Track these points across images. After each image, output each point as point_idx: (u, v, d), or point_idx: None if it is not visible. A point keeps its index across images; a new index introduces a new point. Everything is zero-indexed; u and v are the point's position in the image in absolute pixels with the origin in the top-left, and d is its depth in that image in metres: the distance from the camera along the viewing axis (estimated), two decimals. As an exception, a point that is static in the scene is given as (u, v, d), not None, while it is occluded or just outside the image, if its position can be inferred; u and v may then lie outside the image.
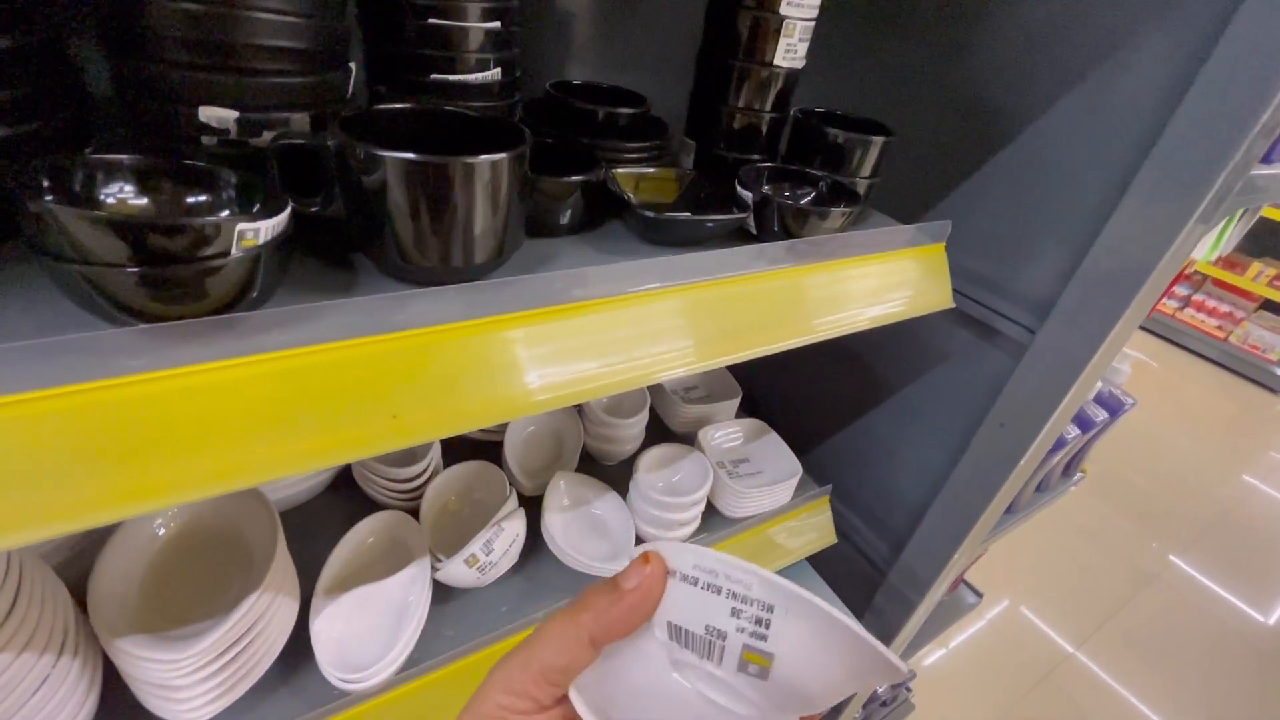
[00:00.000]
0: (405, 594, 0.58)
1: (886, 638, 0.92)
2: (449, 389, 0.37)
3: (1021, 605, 1.95)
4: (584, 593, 0.26)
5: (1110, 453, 2.55)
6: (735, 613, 0.22)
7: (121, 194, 0.33)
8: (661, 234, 0.49)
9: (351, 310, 0.34)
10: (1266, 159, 0.74)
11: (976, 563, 1.44)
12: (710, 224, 0.49)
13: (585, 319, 0.41)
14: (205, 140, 0.37)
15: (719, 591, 0.23)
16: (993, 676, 1.75)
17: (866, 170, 0.58)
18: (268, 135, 0.38)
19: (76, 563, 0.51)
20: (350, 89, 0.44)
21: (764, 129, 0.59)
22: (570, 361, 0.41)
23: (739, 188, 0.52)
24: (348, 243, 0.41)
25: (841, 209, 0.51)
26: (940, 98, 0.73)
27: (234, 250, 0.30)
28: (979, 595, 1.44)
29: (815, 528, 0.82)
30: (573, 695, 0.24)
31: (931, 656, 1.79)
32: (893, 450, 0.89)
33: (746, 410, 0.93)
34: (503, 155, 0.36)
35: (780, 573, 0.25)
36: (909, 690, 1.59)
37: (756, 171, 0.55)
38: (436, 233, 0.37)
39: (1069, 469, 1.19)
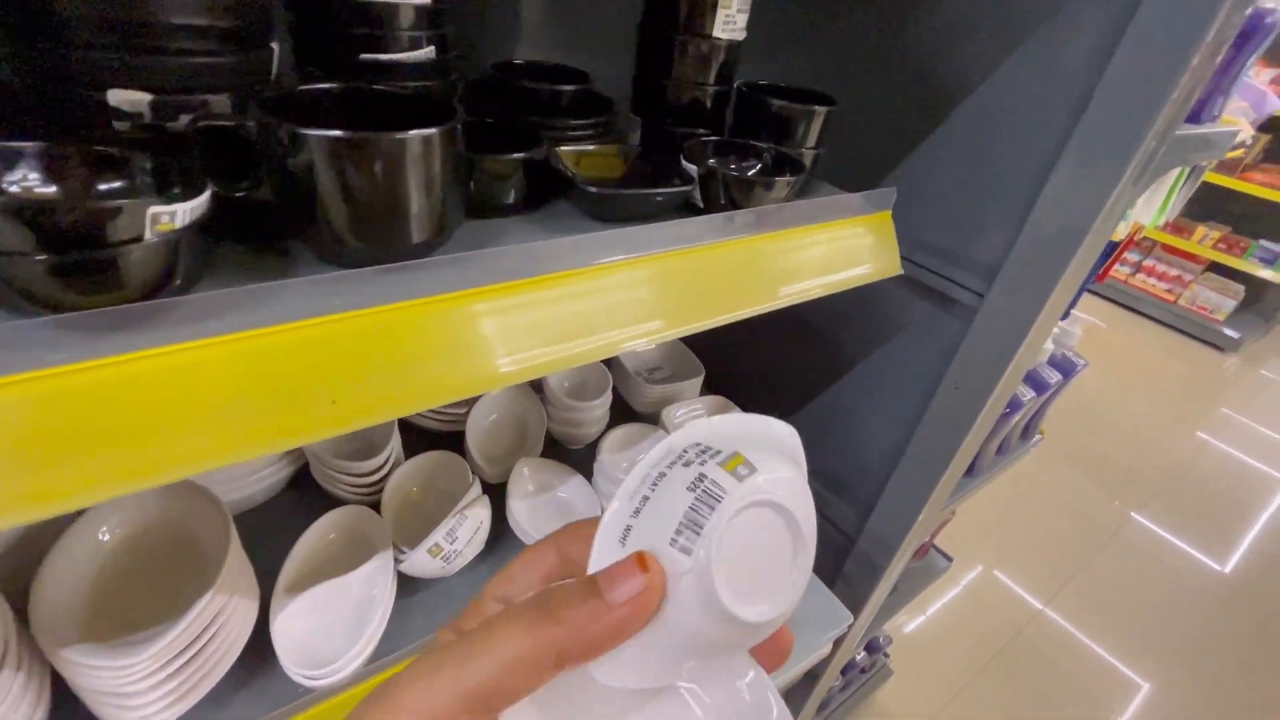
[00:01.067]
0: (369, 588, 0.57)
1: (857, 603, 0.94)
2: (389, 372, 0.36)
3: (991, 567, 2.02)
4: (552, 596, 0.19)
5: (1069, 416, 2.64)
6: (688, 463, 0.21)
7: (26, 182, 0.31)
8: (606, 209, 0.48)
9: (282, 294, 0.33)
10: (1195, 118, 0.77)
11: (946, 528, 1.48)
12: (655, 197, 0.49)
13: (530, 295, 0.41)
14: (118, 125, 0.35)
15: (662, 475, 0.21)
16: (966, 637, 1.81)
17: (811, 141, 0.59)
18: (185, 119, 0.36)
19: (16, 577, 0.49)
20: (275, 70, 0.42)
21: (709, 103, 0.59)
22: (516, 340, 0.41)
23: (684, 161, 0.52)
24: (279, 228, 0.40)
25: (786, 179, 0.51)
26: (888, 70, 0.74)
27: (148, 234, 0.29)
28: (949, 560, 1.48)
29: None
30: None
31: (908, 623, 1.84)
32: (856, 420, 0.91)
33: (710, 389, 0.94)
34: (432, 130, 0.35)
35: None
36: (887, 656, 1.64)
37: (701, 145, 0.55)
38: (368, 213, 0.36)
39: (1027, 431, 1.23)
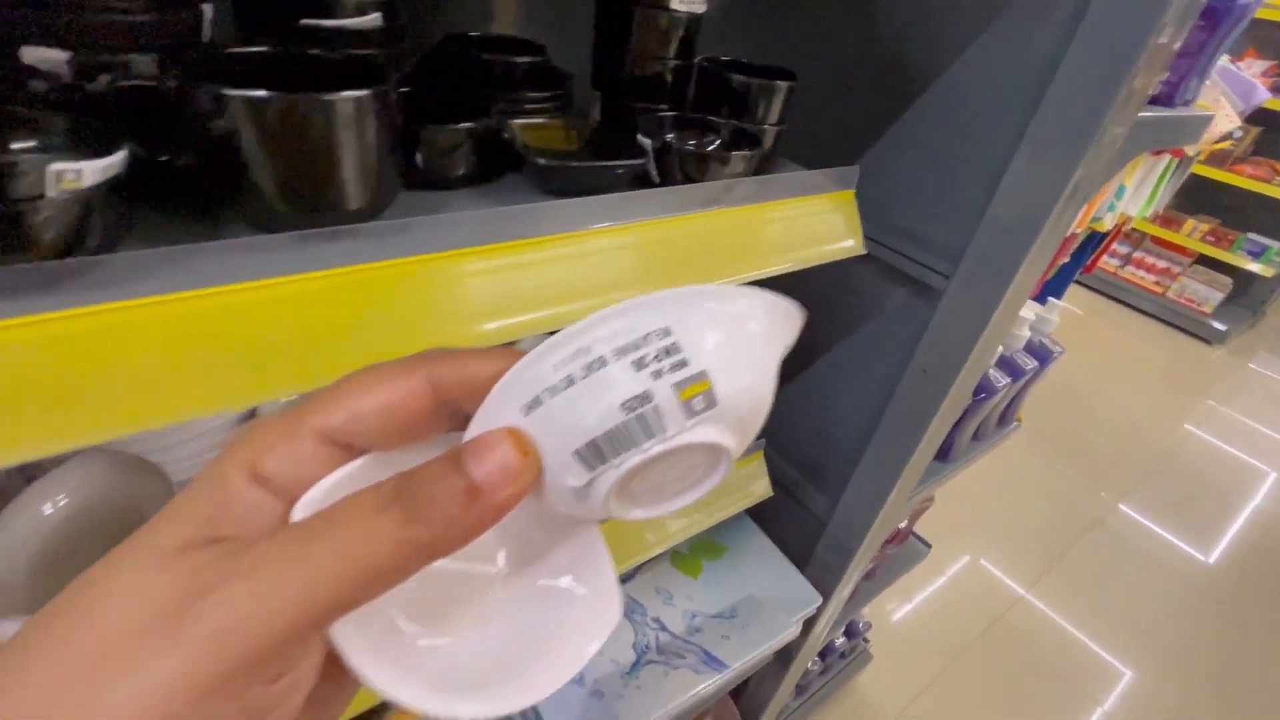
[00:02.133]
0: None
1: (829, 585, 0.95)
2: (315, 341, 0.36)
3: (974, 554, 2.03)
4: (417, 490, 0.16)
5: (1056, 405, 2.66)
6: (639, 364, 0.17)
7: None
8: (557, 181, 0.48)
9: (203, 257, 0.32)
10: (1167, 102, 0.77)
11: (926, 514, 1.48)
12: (607, 170, 0.48)
13: (472, 265, 0.40)
14: (35, 86, 0.34)
15: (604, 363, 0.17)
16: (947, 623, 1.83)
17: (773, 117, 0.58)
18: (104, 80, 0.35)
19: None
20: (209, 33, 0.41)
21: (669, 78, 0.58)
22: (453, 312, 0.40)
23: (640, 135, 0.51)
24: (206, 196, 0.39)
25: (742, 153, 0.50)
26: (857, 48, 0.73)
27: (50, 191, 0.28)
28: (927, 546, 1.49)
29: (751, 480, 0.83)
30: (336, 633, 0.17)
31: (889, 608, 1.85)
32: (828, 405, 0.91)
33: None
34: (360, 93, 0.35)
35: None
36: (866, 641, 1.65)
37: (659, 120, 0.55)
38: (296, 179, 0.35)
39: (1004, 418, 1.23)
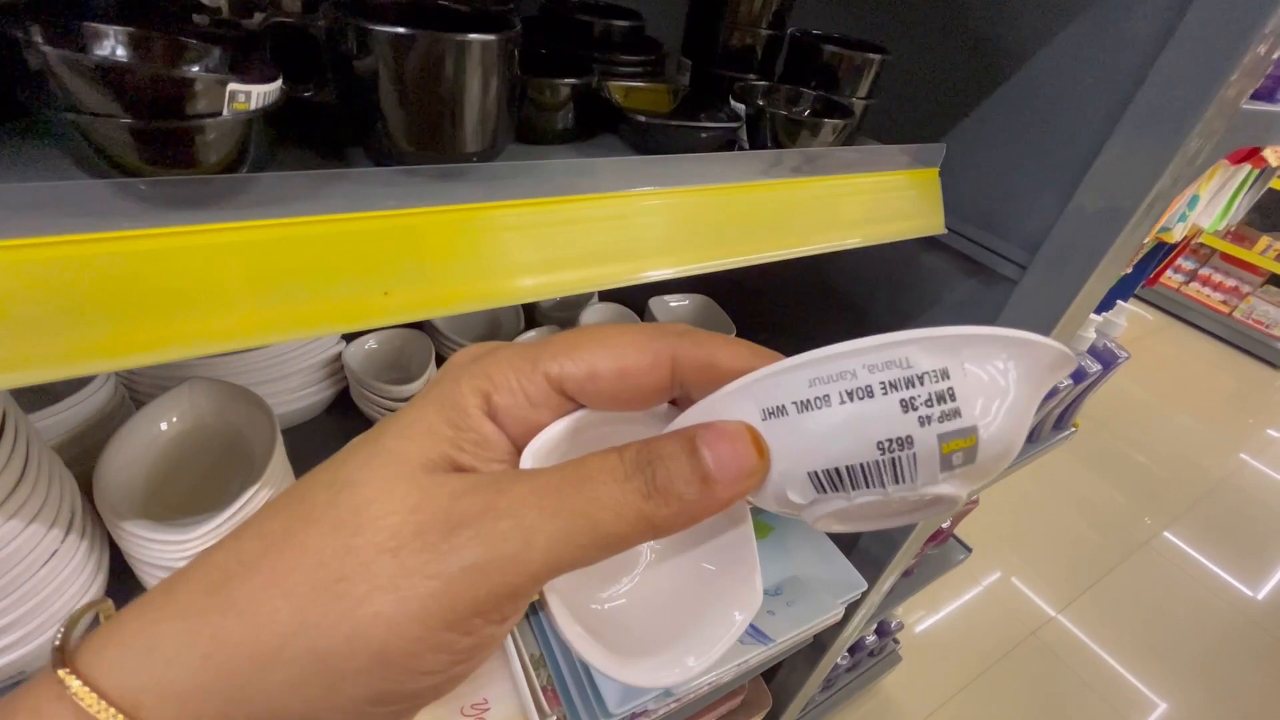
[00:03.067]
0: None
1: (871, 574, 0.94)
2: (439, 271, 0.38)
3: (1009, 567, 1.99)
4: (659, 467, 0.16)
5: (1108, 421, 2.57)
6: (908, 405, 0.15)
7: (115, 56, 0.33)
8: (654, 141, 0.49)
9: (344, 183, 0.35)
10: (1270, 97, 0.74)
11: (967, 518, 1.46)
12: (701, 132, 0.49)
13: (577, 211, 0.42)
14: (198, 19, 0.37)
15: (869, 393, 0.16)
16: (977, 632, 1.79)
17: (862, 91, 0.58)
18: (259, 17, 0.38)
19: (80, 461, 0.52)
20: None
21: (759, 49, 0.59)
22: (560, 254, 0.42)
23: (732, 101, 0.52)
24: (341, 134, 0.42)
25: (834, 122, 0.51)
26: (943, 29, 0.73)
27: (225, 111, 0.31)
28: (968, 549, 1.47)
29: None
30: (550, 593, 0.18)
31: (918, 612, 1.83)
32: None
33: (741, 351, 0.94)
34: (491, 37, 0.37)
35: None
36: (896, 642, 1.64)
37: (751, 87, 0.55)
38: (425, 116, 0.37)
39: (1061, 421, 1.20)
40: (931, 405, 0.15)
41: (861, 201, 0.56)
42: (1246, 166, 1.67)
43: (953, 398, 0.15)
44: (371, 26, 0.34)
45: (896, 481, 0.16)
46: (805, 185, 0.52)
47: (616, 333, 0.18)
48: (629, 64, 0.55)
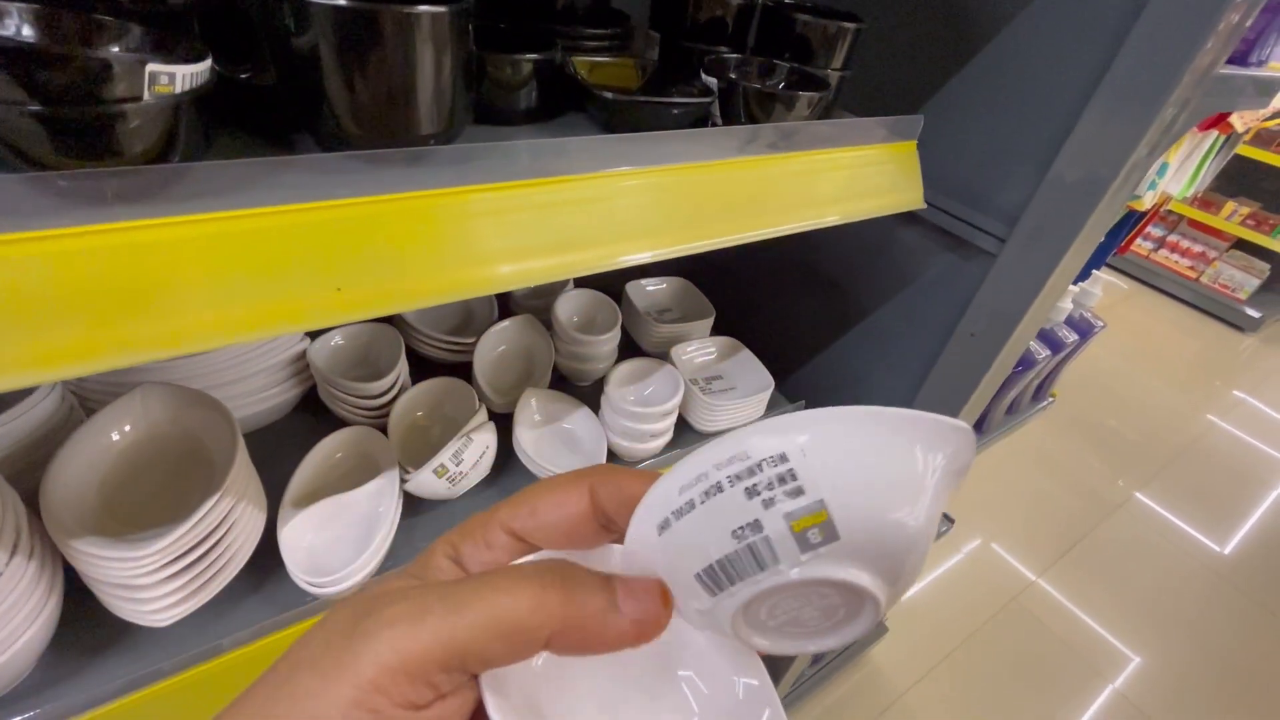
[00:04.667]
0: (375, 504, 0.58)
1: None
2: (396, 264, 0.35)
3: (989, 533, 2.03)
4: (571, 575, 0.18)
5: (1080, 387, 2.62)
6: (751, 492, 0.16)
7: (21, 36, 0.30)
8: (624, 119, 0.47)
9: (287, 172, 0.32)
10: (1241, 60, 0.73)
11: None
12: (673, 109, 0.47)
13: (542, 195, 0.40)
14: (117, -5, 0.34)
15: (719, 490, 0.17)
16: (960, 599, 1.83)
17: (837, 62, 0.56)
18: (186, -9, 0.35)
19: (27, 476, 0.49)
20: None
21: (730, 19, 0.56)
22: (526, 241, 0.40)
23: (703, 75, 0.50)
24: (283, 117, 0.39)
25: (810, 94, 0.49)
26: (920, 1, 0.71)
27: (146, 95, 0.28)
28: (951, 521, 1.49)
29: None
30: (486, 687, 0.18)
31: (905, 583, 1.86)
32: (864, 371, 0.90)
33: (718, 334, 0.92)
34: (441, 9, 0.34)
35: None
36: (882, 614, 1.66)
37: (723, 61, 0.53)
38: (374, 96, 0.35)
39: (1039, 393, 1.21)
40: (773, 488, 0.16)
41: (840, 177, 0.54)
42: (1214, 133, 1.68)
43: (794, 478, 0.16)
44: (310, 0, 0.32)
45: (761, 567, 0.16)
46: (782, 161, 0.51)
47: (551, 480, 0.21)
48: (594, 38, 0.53)
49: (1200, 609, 1.89)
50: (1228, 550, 2.10)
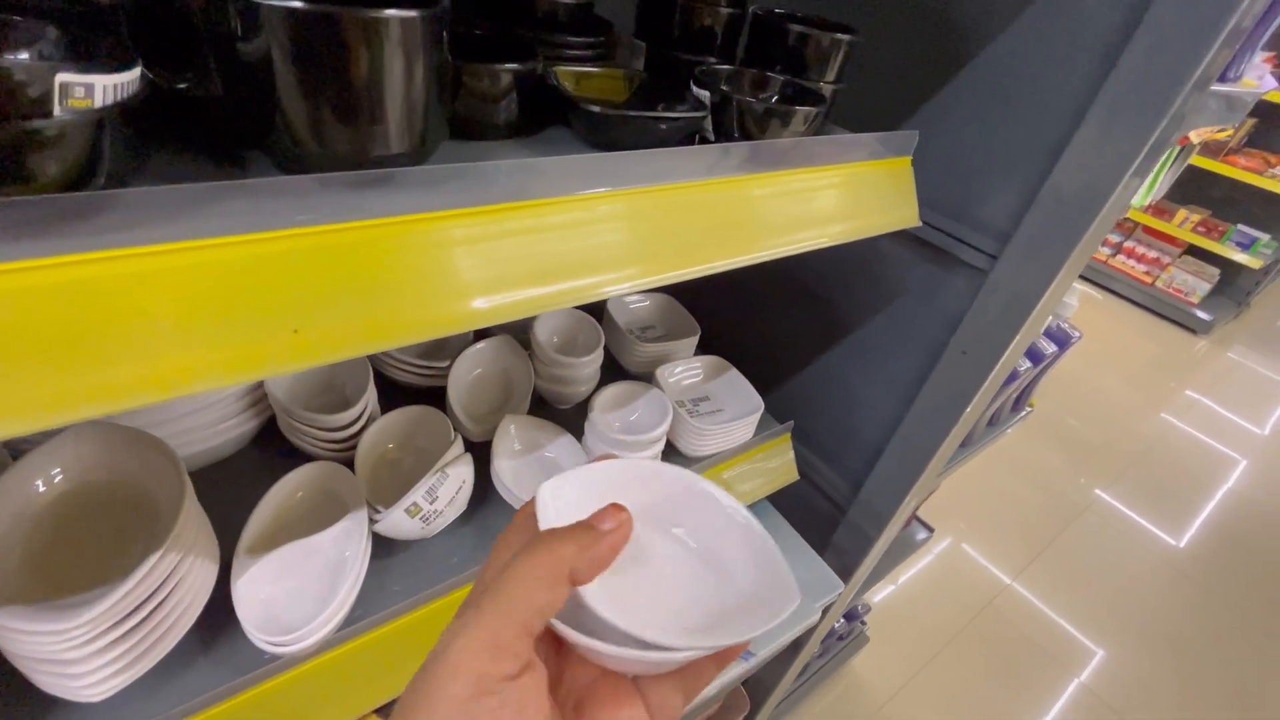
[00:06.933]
0: (340, 549, 0.53)
1: (847, 572, 0.93)
2: (360, 301, 0.31)
3: (964, 539, 2.05)
4: (548, 534, 0.23)
5: (1045, 393, 2.68)
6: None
7: (-94, 46, 0.26)
8: (610, 134, 0.43)
9: (233, 198, 0.28)
10: (1222, 76, 0.74)
11: (927, 499, 1.48)
12: (662, 123, 0.44)
13: (522, 222, 0.36)
14: (29, -8, 0.29)
15: None
16: (937, 606, 1.84)
17: (831, 75, 0.54)
18: (114, -12, 0.30)
19: (-61, 531, 0.44)
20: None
21: (719, 29, 0.54)
22: (504, 271, 0.36)
23: (695, 88, 0.47)
24: (232, 133, 0.34)
25: (807, 109, 0.46)
26: (906, 10, 0.69)
27: (57, 109, 0.23)
28: (930, 530, 1.49)
29: (777, 465, 0.81)
30: (556, 624, 0.23)
31: (883, 591, 1.86)
32: (852, 387, 0.88)
33: (705, 350, 0.90)
34: (411, 14, 0.30)
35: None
36: (864, 624, 1.66)
37: (714, 72, 0.50)
38: (335, 110, 0.31)
39: (1018, 403, 1.22)
40: None
41: (835, 196, 0.52)
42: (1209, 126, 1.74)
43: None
44: (261, 1, 0.27)
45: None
46: (776, 180, 0.48)
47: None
48: (578, 47, 0.49)
49: (1159, 600, 1.95)
50: (1183, 543, 2.16)
